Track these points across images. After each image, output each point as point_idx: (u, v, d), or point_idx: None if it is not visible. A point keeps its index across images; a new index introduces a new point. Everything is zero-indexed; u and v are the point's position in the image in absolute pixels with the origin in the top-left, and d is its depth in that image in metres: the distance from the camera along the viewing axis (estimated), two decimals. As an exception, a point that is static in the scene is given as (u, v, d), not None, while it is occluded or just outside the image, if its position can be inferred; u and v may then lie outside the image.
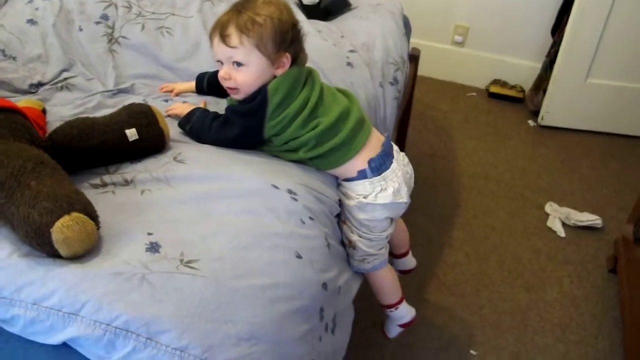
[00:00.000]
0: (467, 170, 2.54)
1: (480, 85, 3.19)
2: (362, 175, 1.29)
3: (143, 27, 1.63)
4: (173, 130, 1.30)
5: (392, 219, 1.38)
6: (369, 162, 1.29)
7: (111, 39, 1.58)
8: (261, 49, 1.20)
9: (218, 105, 1.43)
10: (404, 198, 1.34)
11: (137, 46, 1.58)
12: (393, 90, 1.62)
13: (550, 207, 2.36)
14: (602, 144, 2.82)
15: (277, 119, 1.23)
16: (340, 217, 1.35)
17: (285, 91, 1.23)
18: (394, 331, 1.61)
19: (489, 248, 2.14)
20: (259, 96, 1.22)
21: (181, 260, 0.94)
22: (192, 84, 1.52)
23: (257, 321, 0.90)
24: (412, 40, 2.50)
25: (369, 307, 1.82)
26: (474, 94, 3.13)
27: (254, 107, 1.23)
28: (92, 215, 0.96)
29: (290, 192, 1.12)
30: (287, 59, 1.23)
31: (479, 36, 3.11)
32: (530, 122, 2.94)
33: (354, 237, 1.34)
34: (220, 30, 1.21)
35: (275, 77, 1.24)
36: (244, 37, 1.19)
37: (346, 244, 1.36)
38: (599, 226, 2.28)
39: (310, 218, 1.10)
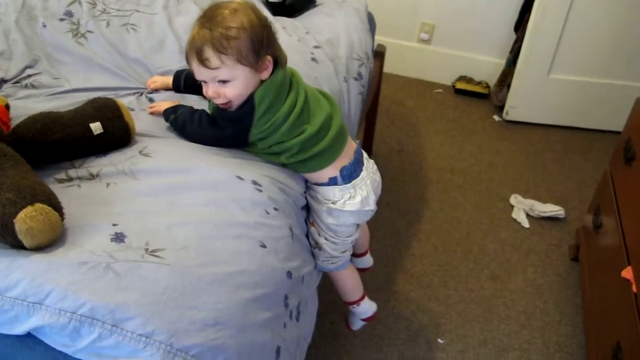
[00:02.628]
0: (434, 164, 2.58)
1: (446, 81, 3.24)
2: (332, 182, 1.31)
3: (108, 24, 1.62)
4: (139, 124, 1.31)
5: (358, 225, 1.42)
6: (341, 170, 1.31)
7: (77, 34, 1.58)
8: (243, 62, 1.18)
9: (199, 104, 1.42)
10: (371, 206, 1.37)
11: (102, 43, 1.58)
12: (357, 85, 1.64)
13: (514, 199, 2.41)
14: (565, 137, 2.89)
15: (263, 126, 1.22)
16: (309, 218, 1.39)
17: (272, 98, 1.22)
18: (357, 325, 1.67)
19: (456, 240, 2.19)
20: (247, 105, 1.21)
21: (146, 250, 0.96)
22: (168, 80, 1.50)
23: (222, 307, 0.92)
24: (378, 38, 2.54)
25: (338, 299, 1.85)
26: (441, 90, 3.18)
27: (241, 114, 1.22)
28: (56, 206, 0.97)
29: (254, 183, 1.13)
30: (269, 62, 1.22)
31: (445, 34, 3.16)
32: (496, 117, 3.00)
33: (321, 240, 1.38)
34: (197, 55, 1.17)
35: (262, 80, 1.22)
36: (223, 56, 1.16)
37: (312, 244, 1.39)
38: (561, 217, 2.34)
39: (275, 209, 1.12)
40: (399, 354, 1.74)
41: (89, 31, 1.59)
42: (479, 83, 3.20)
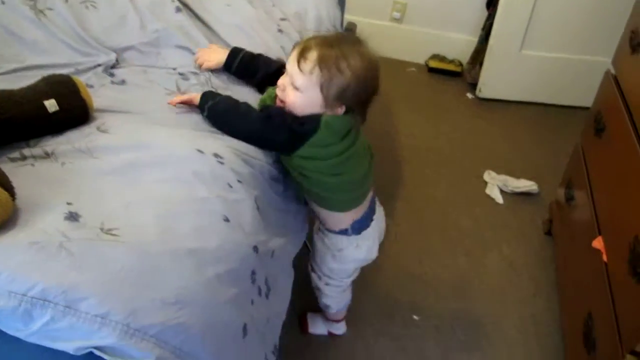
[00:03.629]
0: (407, 143, 2.56)
1: (419, 60, 3.22)
2: (342, 232, 1.37)
3: (67, 1, 1.56)
4: (98, 100, 1.26)
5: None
6: (353, 223, 1.35)
7: (36, 11, 1.51)
8: (323, 90, 1.16)
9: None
10: (374, 255, 1.44)
11: (61, 19, 1.51)
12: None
13: (488, 176, 2.41)
14: (538, 114, 2.89)
15: (316, 148, 1.20)
16: (309, 264, 1.49)
17: (334, 131, 1.19)
18: (317, 330, 1.69)
19: (430, 217, 2.17)
20: (313, 122, 1.18)
21: (101, 229, 0.91)
22: (223, 56, 1.42)
23: (183, 285, 0.88)
24: (350, 17, 2.50)
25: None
26: (414, 69, 3.16)
27: (304, 130, 1.18)
28: (6, 186, 0.92)
29: (216, 156, 1.09)
30: (341, 110, 1.20)
31: (417, 12, 3.14)
32: (469, 95, 2.99)
33: (321, 284, 1.51)
34: (303, 48, 1.16)
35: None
36: (317, 69, 1.14)
37: (314, 287, 1.53)
38: (535, 192, 2.35)
39: (239, 181, 1.08)
40: (374, 330, 1.72)
41: (48, 8, 1.53)
42: (451, 61, 3.18)
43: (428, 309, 1.81)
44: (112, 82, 1.39)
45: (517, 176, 2.41)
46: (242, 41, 1.51)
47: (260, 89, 1.40)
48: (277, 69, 1.38)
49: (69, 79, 1.21)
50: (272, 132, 1.20)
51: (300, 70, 1.15)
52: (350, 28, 2.37)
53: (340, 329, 1.69)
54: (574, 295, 1.67)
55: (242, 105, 1.24)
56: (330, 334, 1.69)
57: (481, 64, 2.94)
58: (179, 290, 0.88)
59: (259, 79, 1.39)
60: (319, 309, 1.69)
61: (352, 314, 1.72)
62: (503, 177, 2.39)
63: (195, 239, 0.95)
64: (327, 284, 1.50)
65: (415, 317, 1.78)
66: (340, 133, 1.21)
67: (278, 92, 1.21)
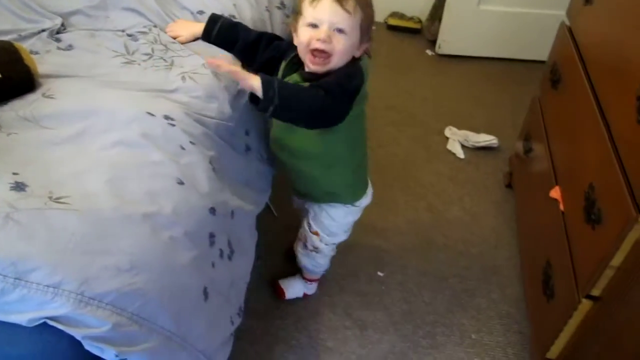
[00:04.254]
0: (369, 102, 2.54)
1: (378, 18, 3.14)
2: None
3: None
4: (44, 67, 1.21)
5: None
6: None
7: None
8: (362, 27, 1.17)
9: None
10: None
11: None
12: (281, 14, 1.57)
13: (449, 131, 2.42)
14: (497, 68, 2.90)
15: (358, 100, 1.21)
16: (310, 229, 1.50)
17: (366, 73, 1.23)
18: (294, 294, 1.70)
19: (393, 174, 2.18)
20: (357, 74, 1.19)
21: (50, 197, 0.89)
22: (198, 29, 1.37)
23: (137, 251, 0.87)
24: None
25: (276, 241, 1.83)
26: (373, 27, 3.12)
27: (356, 87, 1.18)
28: (-54, 157, 0.88)
29: (167, 117, 1.06)
30: (366, 45, 1.22)
31: (375, -32, 3.08)
32: (429, 52, 2.98)
33: (321, 245, 1.52)
34: None
35: (353, 57, 1.20)
36: (358, 9, 1.14)
37: (310, 249, 1.54)
38: (495, 146, 2.37)
39: (191, 142, 1.06)
40: (340, 288, 1.74)
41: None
42: (410, 18, 3.16)
43: (392, 264, 1.84)
44: (58, 48, 1.34)
45: (478, 131, 2.43)
46: (192, 0, 1.47)
47: (241, 58, 1.37)
48: (255, 38, 1.36)
49: (11, 46, 1.16)
50: (339, 104, 1.17)
51: (347, 10, 1.13)
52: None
53: (314, 288, 1.71)
54: (534, 244, 1.70)
55: (297, 86, 1.18)
56: (305, 296, 1.70)
57: (440, 20, 2.92)
58: (134, 256, 0.86)
59: (239, 48, 1.36)
60: (289, 273, 1.70)
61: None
62: (464, 132, 2.41)
63: (148, 203, 0.93)
64: (327, 244, 1.52)
65: (379, 273, 1.80)
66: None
67: (321, 46, 1.14)
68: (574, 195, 1.40)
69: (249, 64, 1.38)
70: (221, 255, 1.09)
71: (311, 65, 1.19)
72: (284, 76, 1.29)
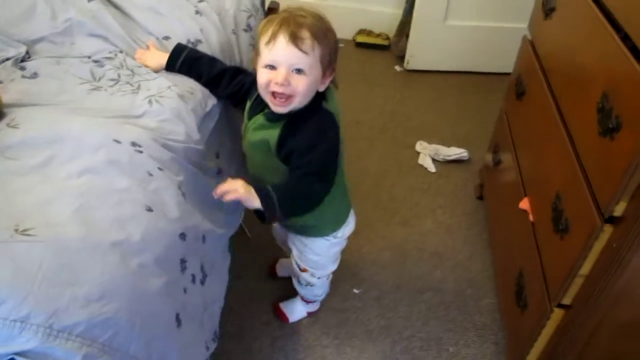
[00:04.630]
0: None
1: (347, 36, 3.21)
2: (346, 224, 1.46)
3: (-35, -9, 1.47)
4: (7, 96, 1.20)
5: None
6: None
7: None
8: (322, 62, 1.13)
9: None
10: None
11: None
12: (248, 37, 1.58)
13: (420, 146, 2.45)
14: (465, 82, 2.95)
15: None
16: (299, 267, 1.50)
17: (338, 112, 1.22)
18: (298, 316, 1.69)
19: (365, 190, 2.19)
20: (330, 122, 1.19)
21: (16, 230, 0.87)
22: (164, 59, 1.35)
23: (107, 279, 0.86)
24: (274, -1, 2.46)
25: (250, 262, 1.83)
26: (342, 45, 3.13)
27: (337, 140, 1.20)
28: None
29: (134, 144, 1.06)
30: (330, 75, 1.18)
31: (341, -13, 3.12)
32: (397, 67, 3.02)
33: (314, 280, 1.53)
34: (291, 33, 1.08)
35: (317, 92, 1.18)
36: (316, 44, 1.10)
37: (304, 284, 1.55)
38: (465, 158, 2.40)
39: (159, 168, 1.06)
40: (316, 308, 1.74)
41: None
42: (379, 35, 3.20)
43: (368, 280, 1.84)
44: (23, 76, 1.33)
45: (448, 144, 2.46)
46: (158, 25, 1.47)
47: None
48: (218, 74, 1.35)
49: (-28, 75, 1.14)
50: (331, 172, 1.21)
51: (304, 51, 1.09)
52: (273, 7, 2.34)
53: (317, 305, 1.71)
54: (506, 255, 1.72)
55: (293, 187, 1.18)
56: (310, 314, 1.71)
57: (407, 36, 2.96)
58: (103, 285, 0.85)
59: (202, 82, 1.36)
60: (266, 294, 1.71)
61: (292, 291, 1.72)
62: (434, 146, 2.44)
63: (117, 230, 0.92)
64: (320, 277, 1.53)
65: (355, 290, 1.81)
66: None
67: (280, 89, 1.12)
68: (542, 205, 1.42)
69: (216, 96, 1.38)
70: (193, 280, 1.08)
71: (272, 106, 1.16)
72: (250, 117, 1.27)
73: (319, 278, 1.53)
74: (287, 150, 1.19)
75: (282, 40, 1.09)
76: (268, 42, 1.11)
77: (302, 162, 1.16)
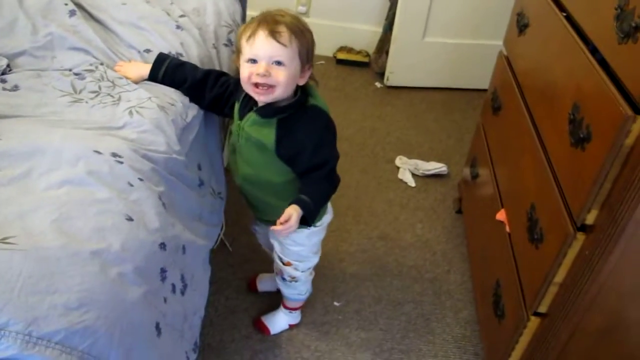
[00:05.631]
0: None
1: (327, 53, 3.26)
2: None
3: (-53, 6, 1.47)
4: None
5: None
6: None
7: None
8: (301, 56, 1.22)
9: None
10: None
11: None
12: (228, 51, 1.60)
13: (399, 160, 2.48)
14: (444, 98, 3.00)
15: None
16: (282, 262, 1.51)
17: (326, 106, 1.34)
18: (279, 328, 1.69)
19: (346, 205, 2.21)
20: (326, 118, 1.31)
21: (-4, 238, 0.87)
22: (145, 70, 1.38)
23: (86, 288, 0.86)
24: (255, 13, 2.49)
25: (230, 275, 1.83)
26: (322, 62, 3.20)
27: (333, 128, 1.32)
28: None
29: (114, 155, 1.07)
30: (309, 71, 1.27)
31: (322, 5, 3.18)
32: (377, 84, 3.06)
33: (298, 274, 1.53)
34: (272, 25, 1.18)
35: (297, 85, 1.26)
36: (294, 39, 1.19)
37: (288, 280, 1.56)
38: (444, 173, 2.44)
39: (140, 179, 1.06)
40: (297, 321, 1.74)
41: None
42: (359, 52, 3.25)
43: (348, 293, 1.85)
44: (4, 89, 1.33)
45: (427, 159, 2.50)
46: (139, 39, 1.49)
47: (189, 96, 1.39)
48: (202, 77, 1.38)
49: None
50: (337, 157, 1.33)
51: (282, 43, 1.18)
52: (255, 23, 2.37)
53: (298, 316, 1.72)
54: (484, 267, 1.75)
55: (319, 188, 1.30)
56: (291, 326, 1.71)
57: (387, 53, 3.01)
58: (82, 294, 0.85)
59: (186, 87, 1.39)
60: (247, 307, 1.69)
61: (272, 305, 1.73)
62: (414, 161, 2.47)
63: (96, 240, 0.92)
64: (303, 270, 1.54)
65: (336, 303, 1.82)
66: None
67: (261, 80, 1.20)
68: (518, 216, 1.45)
69: (197, 102, 1.40)
70: (173, 290, 1.08)
71: (256, 96, 1.24)
72: (240, 117, 1.32)
73: (302, 272, 1.54)
74: (290, 152, 1.28)
75: (262, 35, 1.18)
76: (249, 39, 1.20)
77: (315, 163, 1.28)
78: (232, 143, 1.40)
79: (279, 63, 1.19)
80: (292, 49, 1.19)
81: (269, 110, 1.27)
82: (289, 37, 1.18)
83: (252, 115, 1.29)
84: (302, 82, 1.26)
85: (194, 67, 1.42)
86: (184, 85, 1.38)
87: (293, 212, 1.23)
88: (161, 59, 1.40)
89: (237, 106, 1.35)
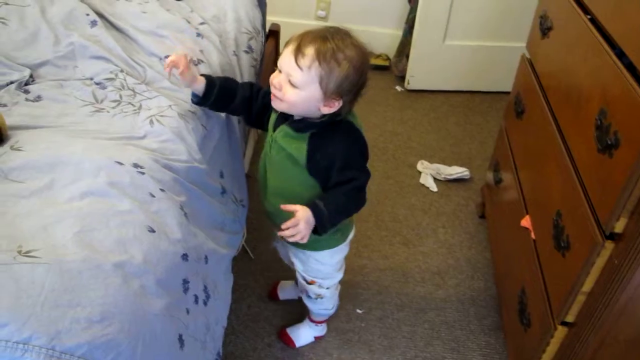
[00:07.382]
0: (341, 139, 2.58)
1: (347, 57, 3.24)
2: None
3: (-27, 18, 1.50)
4: (12, 119, 1.21)
5: None
6: None
7: None
8: (322, 84, 1.13)
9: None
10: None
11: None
12: (249, 58, 1.60)
13: (421, 165, 2.45)
14: (465, 101, 2.97)
15: None
16: (306, 281, 1.49)
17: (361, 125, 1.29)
18: (305, 341, 1.68)
19: (367, 210, 2.20)
20: (362, 140, 1.25)
21: (19, 252, 0.88)
22: (197, 79, 1.31)
23: (109, 301, 0.86)
24: (275, 18, 2.50)
25: (252, 282, 1.82)
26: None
27: (365, 146, 1.27)
28: None
29: (136, 166, 1.07)
30: (338, 104, 1.18)
31: (341, 9, 3.17)
32: (398, 88, 3.04)
33: (323, 291, 1.51)
34: (299, 43, 1.13)
35: (319, 111, 1.18)
36: (316, 64, 1.11)
37: (315, 297, 1.53)
38: (467, 177, 2.41)
39: (161, 190, 1.06)
40: (319, 329, 1.73)
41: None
42: (379, 56, 3.23)
43: (370, 301, 1.83)
44: (27, 99, 1.35)
45: (449, 163, 2.47)
46: (160, 47, 1.49)
47: (238, 113, 1.39)
48: (250, 92, 1.34)
49: (-23, 99, 1.16)
50: (368, 178, 1.28)
51: (299, 66, 1.13)
52: (275, 29, 2.37)
53: (324, 329, 1.70)
54: (508, 274, 1.72)
55: (342, 203, 1.23)
56: (317, 339, 1.69)
57: (407, 57, 2.99)
58: (105, 307, 0.85)
59: (236, 104, 1.34)
60: (269, 315, 1.68)
61: (295, 313, 1.72)
62: (436, 165, 2.45)
63: (118, 252, 0.92)
64: (328, 287, 1.51)
65: (358, 310, 1.80)
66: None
67: (273, 90, 1.18)
68: (543, 223, 1.42)
69: (246, 119, 1.39)
70: (196, 301, 1.08)
71: (271, 101, 1.22)
72: (275, 127, 1.29)
73: (327, 288, 1.51)
74: (320, 165, 1.23)
75: (289, 49, 1.15)
76: (285, 46, 1.18)
77: (344, 177, 1.22)
78: (263, 154, 1.37)
79: (292, 83, 1.15)
80: (308, 75, 1.12)
81: (303, 124, 1.23)
82: (311, 62, 1.12)
83: (284, 128, 1.25)
84: (326, 111, 1.18)
85: (238, 83, 1.38)
86: (232, 104, 1.35)
87: (301, 216, 1.17)
88: (210, 80, 1.33)
89: (273, 117, 1.31)
